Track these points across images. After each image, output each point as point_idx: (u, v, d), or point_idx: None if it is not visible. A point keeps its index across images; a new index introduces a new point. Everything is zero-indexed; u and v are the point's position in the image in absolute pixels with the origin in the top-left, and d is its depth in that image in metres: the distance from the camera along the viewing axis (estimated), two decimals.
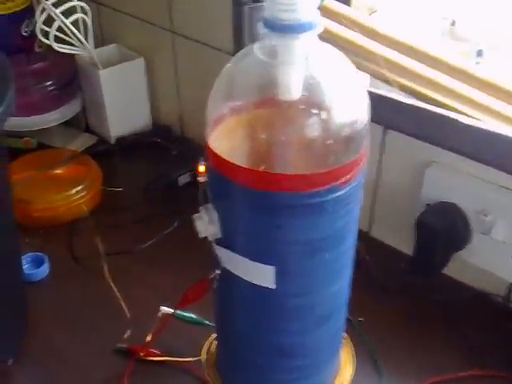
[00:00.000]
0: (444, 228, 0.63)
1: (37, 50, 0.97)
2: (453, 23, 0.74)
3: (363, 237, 0.76)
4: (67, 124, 0.96)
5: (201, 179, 0.42)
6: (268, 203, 0.39)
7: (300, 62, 0.37)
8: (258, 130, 0.40)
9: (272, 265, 0.42)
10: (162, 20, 0.90)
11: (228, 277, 0.45)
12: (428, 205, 0.66)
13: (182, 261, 0.74)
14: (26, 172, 0.83)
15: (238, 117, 0.41)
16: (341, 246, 0.43)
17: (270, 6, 0.36)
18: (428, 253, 0.65)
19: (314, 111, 0.38)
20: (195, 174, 0.43)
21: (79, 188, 0.80)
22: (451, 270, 0.68)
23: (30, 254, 0.74)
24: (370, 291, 0.70)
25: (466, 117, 0.60)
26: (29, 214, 0.78)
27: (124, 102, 0.94)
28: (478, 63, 0.68)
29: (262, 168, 0.38)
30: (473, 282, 0.69)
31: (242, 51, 0.40)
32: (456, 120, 0.60)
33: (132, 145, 0.96)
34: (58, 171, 0.84)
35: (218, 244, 0.44)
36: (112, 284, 0.70)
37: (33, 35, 0.91)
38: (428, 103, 0.63)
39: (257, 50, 0.38)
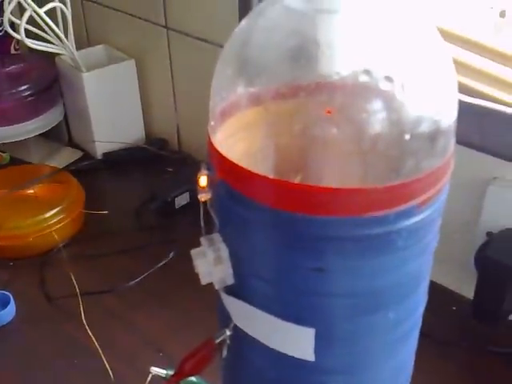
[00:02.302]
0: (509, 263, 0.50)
1: (13, 51, 0.85)
2: (502, 13, 0.62)
3: None
4: (46, 136, 0.85)
5: (203, 197, 0.28)
6: (305, 233, 0.26)
7: (355, 11, 0.24)
8: (289, 123, 0.26)
9: (311, 327, 0.28)
10: (156, 15, 0.80)
11: (242, 341, 0.31)
12: (489, 233, 0.53)
13: (179, 302, 0.61)
14: None
15: (257, 105, 0.27)
16: (409, 300, 0.29)
17: None
18: (493, 294, 0.52)
19: (377, 93, 0.25)
20: (195, 191, 0.29)
21: (56, 211, 0.69)
22: None
23: None
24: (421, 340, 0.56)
25: None
26: None
27: (112, 110, 0.84)
28: None
29: (296, 179, 0.25)
30: None
31: (260, 5, 0.27)
32: None
33: (121, 161, 0.85)
34: (32, 191, 0.73)
35: (228, 293, 0.30)
36: (90, 332, 0.57)
37: (7, 35, 0.79)
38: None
39: (284, 6, 0.25)
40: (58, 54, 0.81)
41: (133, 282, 0.63)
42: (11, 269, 0.67)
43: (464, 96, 0.52)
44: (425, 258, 0.29)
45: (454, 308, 0.59)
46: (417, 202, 0.25)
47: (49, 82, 0.83)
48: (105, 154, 0.84)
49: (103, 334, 0.57)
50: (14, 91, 0.80)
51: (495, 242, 0.52)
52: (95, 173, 0.83)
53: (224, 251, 0.29)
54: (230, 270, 0.29)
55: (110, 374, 0.53)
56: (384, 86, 0.24)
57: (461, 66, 0.52)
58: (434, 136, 0.26)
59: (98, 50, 0.86)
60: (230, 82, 0.27)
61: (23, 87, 0.80)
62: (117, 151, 0.84)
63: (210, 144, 0.28)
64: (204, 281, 0.29)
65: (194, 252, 0.29)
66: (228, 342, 0.32)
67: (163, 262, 0.65)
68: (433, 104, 0.26)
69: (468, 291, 0.57)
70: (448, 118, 0.27)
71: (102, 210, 0.73)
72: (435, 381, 0.53)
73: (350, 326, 0.29)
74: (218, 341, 0.32)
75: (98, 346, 0.55)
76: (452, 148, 0.27)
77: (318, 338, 0.28)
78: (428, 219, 0.27)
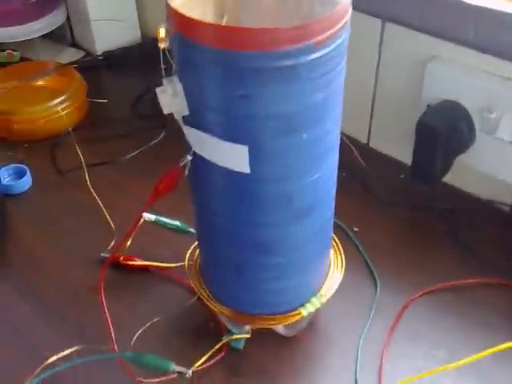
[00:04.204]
0: (445, 128, 0.59)
1: None
2: None
3: (362, 148, 0.73)
4: (52, 38, 0.92)
5: (162, 45, 0.38)
6: (233, 65, 0.35)
7: None
8: None
9: (245, 144, 0.38)
10: None
11: (200, 162, 0.41)
12: (429, 105, 0.61)
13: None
14: (8, 83, 0.80)
15: None
16: (320, 126, 0.39)
17: None
18: (428, 157, 0.60)
19: None
20: (156, 40, 0.38)
21: (62, 99, 0.77)
22: (453, 177, 0.64)
23: (11, 165, 0.71)
24: (367, 202, 0.66)
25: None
26: (10, 126, 0.75)
27: (111, 13, 0.90)
28: None
29: (224, 21, 0.33)
30: (477, 190, 0.65)
31: None
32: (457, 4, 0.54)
33: (119, 59, 0.91)
34: (41, 82, 0.81)
35: (186, 123, 0.40)
36: (95, 194, 0.67)
37: None
38: None
39: None
40: None
41: (129, 155, 0.72)
42: (26, 149, 0.75)
43: None
44: (329, 91, 0.38)
45: (402, 176, 0.69)
46: (313, 41, 0.34)
47: None
48: (104, 53, 0.91)
49: (105, 197, 0.66)
50: None
51: (431, 112, 0.60)
52: (96, 70, 0.90)
53: (179, 87, 0.38)
54: (185, 103, 0.39)
55: (112, 225, 0.63)
56: None
57: None
58: None
59: None
60: None
61: None
62: (115, 50, 0.91)
63: (168, 5, 0.37)
64: (166, 111, 0.39)
65: (157, 89, 0.39)
66: (189, 164, 0.42)
67: (154, 142, 0.74)
68: None
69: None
70: None
71: (102, 99, 0.82)
72: (379, 233, 0.62)
73: (274, 144, 0.38)
74: (182, 164, 0.42)
75: (101, 206, 0.65)
76: (341, 6, 0.36)
77: (251, 154, 0.38)
78: (327, 57, 0.35)
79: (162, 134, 0.75)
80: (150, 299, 0.57)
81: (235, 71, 0.35)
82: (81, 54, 0.93)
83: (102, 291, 0.52)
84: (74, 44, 0.96)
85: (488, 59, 0.56)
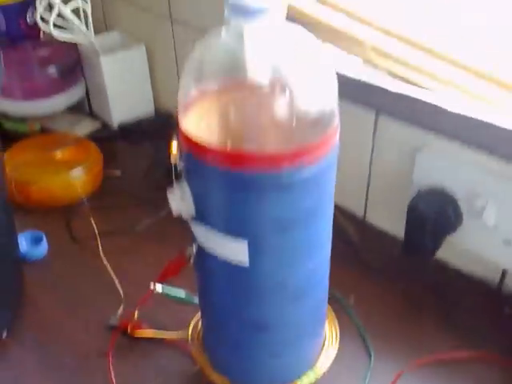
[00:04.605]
0: (434, 213, 0.63)
1: (42, 37, 0.99)
2: None
3: (359, 221, 0.78)
4: (71, 109, 0.98)
5: (173, 158, 0.43)
6: (234, 181, 0.40)
7: (265, 45, 0.38)
8: (226, 111, 0.40)
9: (244, 240, 0.43)
10: (161, 7, 0.91)
11: (204, 253, 0.46)
12: (419, 190, 0.66)
13: (177, 240, 0.74)
14: (29, 154, 0.86)
15: (206, 98, 0.41)
16: (312, 226, 0.44)
17: None
18: (418, 238, 0.65)
19: (280, 92, 0.39)
20: (169, 153, 0.44)
21: (78, 170, 0.82)
22: (444, 253, 0.68)
23: (29, 232, 0.76)
24: (361, 273, 0.70)
25: (454, 103, 0.60)
26: (29, 194, 0.80)
27: (126, 88, 0.96)
28: None
29: (229, 147, 0.39)
30: (466, 266, 0.69)
31: (209, 34, 0.41)
32: (445, 107, 0.60)
33: (134, 130, 0.97)
34: (59, 154, 0.86)
35: (193, 221, 0.45)
36: (106, 262, 0.72)
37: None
38: (418, 88, 0.63)
39: (224, 33, 0.39)
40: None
41: (140, 225, 0.76)
42: (44, 216, 0.79)
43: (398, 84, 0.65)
44: (320, 198, 0.43)
45: (396, 250, 0.73)
46: (306, 162, 0.39)
47: (72, 64, 0.95)
48: (120, 125, 0.97)
49: (117, 266, 0.70)
50: (44, 71, 0.92)
51: (421, 197, 0.65)
52: (111, 141, 0.96)
53: (188, 193, 0.43)
54: (192, 205, 0.44)
55: (121, 293, 0.67)
56: (282, 90, 0.39)
57: (394, 58, 0.65)
58: (316, 120, 0.40)
59: (113, 35, 0.98)
60: (190, 85, 0.41)
61: (51, 68, 0.92)
62: (130, 122, 0.97)
63: (178, 126, 0.42)
64: (175, 213, 0.44)
65: (168, 193, 0.44)
66: (194, 253, 0.47)
67: (165, 212, 0.78)
68: (315, 101, 0.40)
69: None
70: (326, 109, 0.41)
71: (117, 171, 0.87)
72: (374, 304, 0.66)
73: (271, 241, 0.43)
74: (188, 253, 0.47)
75: (112, 274, 0.69)
76: (333, 128, 0.41)
77: (250, 249, 0.43)
78: (316, 173, 0.41)
79: None
80: (155, 365, 0.60)
81: (238, 185, 0.40)
82: (98, 124, 0.99)
83: (110, 358, 0.56)
84: (92, 114, 1.02)
85: (472, 151, 0.61)
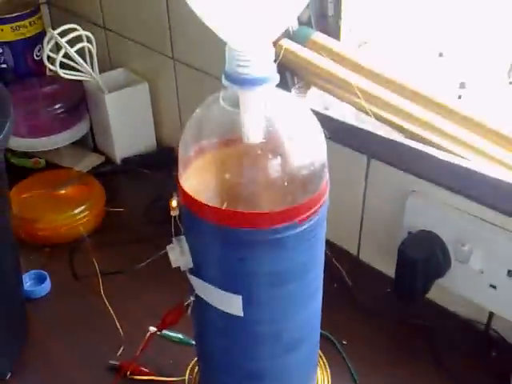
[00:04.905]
0: (423, 257, 0.65)
1: (48, 73, 1.02)
2: (440, 54, 0.77)
3: (352, 260, 0.80)
4: (76, 144, 1.01)
5: (173, 213, 0.46)
6: (230, 238, 0.42)
7: (259, 110, 0.41)
8: (222, 170, 0.43)
9: (239, 294, 0.45)
10: (164, 47, 0.94)
11: (201, 303, 0.48)
12: (409, 232, 0.69)
13: (178, 281, 0.77)
14: (34, 191, 0.88)
15: (204, 158, 0.44)
16: (305, 279, 0.46)
17: (229, 61, 0.39)
18: (408, 280, 0.67)
19: (273, 154, 0.42)
20: (169, 207, 0.46)
21: (82, 208, 0.84)
22: (434, 295, 0.70)
23: (33, 271, 0.78)
24: (354, 313, 0.72)
25: (443, 151, 0.63)
26: (34, 232, 0.83)
27: (129, 124, 0.99)
28: (460, 96, 0.70)
29: (224, 206, 0.41)
30: (455, 308, 0.71)
31: (209, 99, 0.44)
32: (434, 155, 0.63)
33: (137, 165, 1.00)
34: (64, 191, 0.89)
35: (190, 273, 0.47)
36: (107, 302, 0.74)
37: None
38: (409, 136, 0.66)
39: (221, 98, 0.42)
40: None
41: (141, 264, 0.78)
42: (47, 253, 0.82)
43: (389, 130, 0.68)
44: (312, 252, 0.45)
45: (389, 290, 0.76)
46: (297, 220, 0.42)
47: (77, 101, 0.98)
48: (123, 160, 1.00)
49: (117, 305, 0.73)
50: (50, 108, 0.95)
51: (411, 240, 0.68)
52: (115, 175, 0.99)
53: (186, 247, 0.46)
54: (190, 259, 0.46)
55: (121, 333, 0.69)
56: (274, 152, 0.41)
57: (385, 105, 0.68)
58: (307, 181, 0.42)
59: (117, 73, 1.01)
60: (189, 145, 0.44)
61: (57, 105, 0.95)
62: (133, 157, 1.00)
63: (178, 182, 0.45)
64: (174, 265, 0.47)
65: (168, 247, 0.46)
66: (192, 303, 0.49)
67: (165, 250, 0.82)
68: (305, 163, 0.42)
69: None
70: (316, 170, 0.43)
71: (119, 207, 0.90)
72: (366, 346, 0.68)
73: (265, 294, 0.45)
74: (186, 303, 0.50)
75: (112, 313, 0.71)
76: (323, 188, 0.44)
77: (244, 302, 0.45)
78: (308, 230, 0.43)
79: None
80: None
81: (233, 241, 0.43)
82: (101, 159, 1.02)
83: None
84: (96, 149, 1.05)
85: (460, 199, 0.64)
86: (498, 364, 0.65)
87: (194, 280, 0.47)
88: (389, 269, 0.74)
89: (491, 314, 0.67)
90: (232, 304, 0.46)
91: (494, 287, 0.63)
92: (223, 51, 0.40)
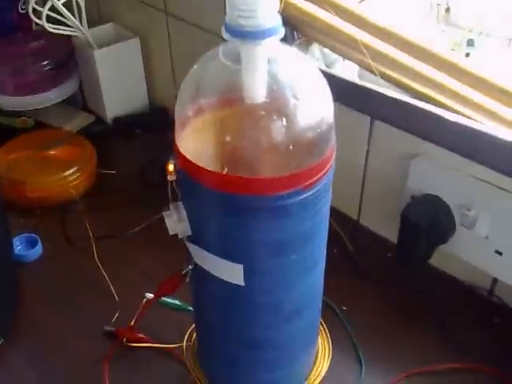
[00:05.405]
0: (427, 222, 0.63)
1: (34, 28, 0.97)
2: (447, 10, 0.73)
3: (352, 224, 0.78)
4: (65, 102, 0.97)
5: (170, 178, 0.43)
6: (232, 205, 0.40)
7: (262, 66, 0.37)
8: (223, 132, 0.40)
9: (240, 263, 0.43)
10: (156, 0, 0.89)
11: (200, 272, 0.46)
12: (413, 197, 0.67)
13: (173, 245, 0.75)
14: (23, 152, 0.85)
15: (203, 119, 0.41)
16: (307, 248, 0.44)
17: (230, 12, 0.36)
18: (411, 245, 0.65)
19: (277, 115, 0.39)
20: (165, 170, 0.43)
21: (73, 170, 0.81)
22: (437, 261, 0.69)
23: (24, 235, 0.76)
24: (355, 279, 0.71)
25: (450, 112, 0.60)
26: (24, 194, 0.80)
27: (120, 82, 0.95)
28: (468, 53, 0.67)
29: (225, 171, 0.39)
30: (458, 274, 0.69)
31: (207, 54, 0.40)
32: (441, 116, 0.60)
33: (129, 125, 0.96)
34: (53, 152, 0.85)
35: (189, 240, 0.45)
36: (101, 267, 0.72)
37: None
38: (415, 96, 0.63)
39: (221, 54, 0.39)
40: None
41: (136, 228, 0.76)
42: (38, 216, 0.80)
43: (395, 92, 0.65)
44: (316, 220, 0.43)
45: (389, 254, 0.74)
46: (302, 186, 0.39)
47: (66, 57, 0.94)
48: (114, 120, 0.96)
49: (111, 270, 0.70)
50: (37, 65, 0.91)
51: (415, 205, 0.66)
52: (106, 136, 0.95)
53: (184, 214, 0.43)
54: (188, 226, 0.44)
55: (116, 298, 0.67)
56: (278, 113, 0.38)
57: (392, 63, 0.64)
58: (313, 144, 0.40)
59: (107, 28, 0.97)
60: (187, 104, 0.41)
61: (45, 62, 0.91)
62: (124, 117, 0.96)
63: (175, 145, 0.42)
64: (171, 232, 0.44)
65: (164, 213, 0.44)
66: (190, 272, 0.47)
67: (162, 214, 0.79)
68: (311, 124, 0.39)
69: None
70: (323, 133, 0.40)
71: (111, 169, 0.86)
72: (367, 312, 0.67)
73: (267, 263, 0.43)
74: (183, 272, 0.47)
75: (107, 278, 0.70)
76: (329, 152, 0.41)
77: (245, 271, 0.43)
78: (313, 196, 0.40)
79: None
80: (150, 374, 0.61)
81: (234, 208, 0.40)
82: (91, 118, 0.98)
83: (107, 367, 0.57)
84: (85, 108, 1.01)
85: (466, 162, 0.61)
86: (500, 330, 0.64)
87: (193, 248, 0.45)
88: (390, 234, 0.73)
89: (495, 280, 0.66)
90: (233, 273, 0.44)
91: (499, 253, 0.61)
92: (220, 4, 0.37)
